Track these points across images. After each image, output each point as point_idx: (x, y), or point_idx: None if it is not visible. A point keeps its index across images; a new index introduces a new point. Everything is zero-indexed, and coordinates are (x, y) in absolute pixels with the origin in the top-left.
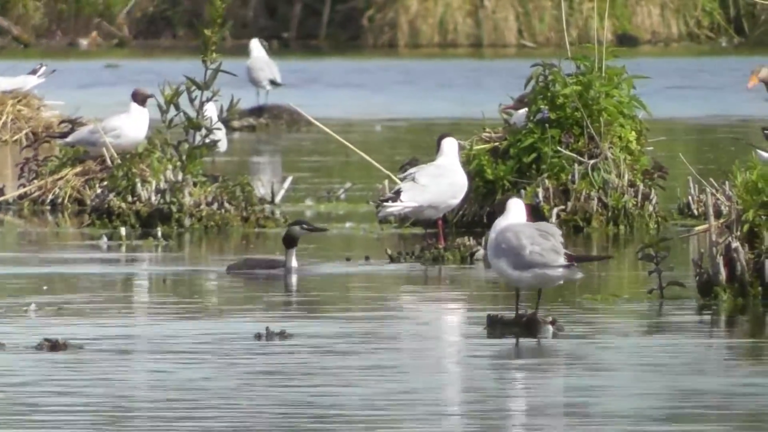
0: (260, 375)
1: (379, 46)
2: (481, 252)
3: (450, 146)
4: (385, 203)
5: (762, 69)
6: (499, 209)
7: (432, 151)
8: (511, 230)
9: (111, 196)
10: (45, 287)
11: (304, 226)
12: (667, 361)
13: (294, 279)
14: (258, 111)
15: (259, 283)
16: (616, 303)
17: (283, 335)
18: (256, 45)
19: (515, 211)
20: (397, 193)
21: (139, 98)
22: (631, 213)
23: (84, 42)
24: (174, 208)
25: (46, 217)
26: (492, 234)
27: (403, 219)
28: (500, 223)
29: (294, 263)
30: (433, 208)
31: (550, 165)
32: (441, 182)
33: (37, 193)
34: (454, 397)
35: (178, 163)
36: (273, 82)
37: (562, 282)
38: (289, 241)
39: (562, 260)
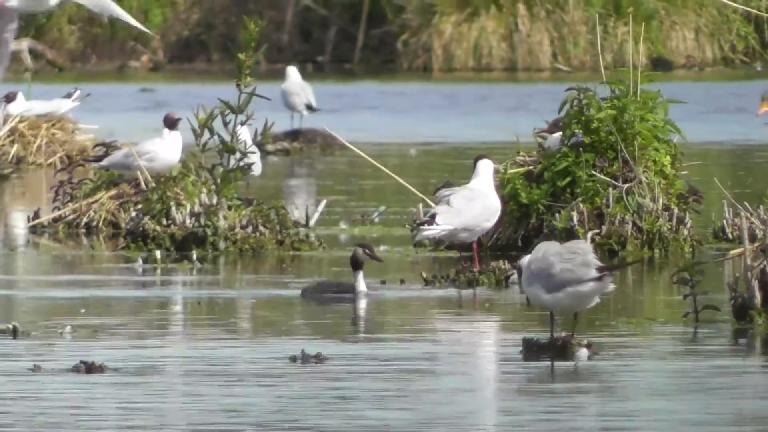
0: (296, 398)
1: (413, 70)
2: (515, 276)
3: (485, 168)
4: (420, 227)
5: None
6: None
7: (466, 175)
8: (540, 251)
9: (146, 219)
10: (83, 310)
11: (367, 251)
12: (703, 385)
13: (363, 302)
14: (292, 135)
15: (295, 305)
16: (652, 327)
17: (318, 358)
18: (293, 71)
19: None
20: (432, 216)
21: (170, 123)
22: (665, 237)
23: (136, 64)
24: (209, 232)
25: (81, 240)
26: (520, 264)
27: (437, 242)
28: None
29: (362, 286)
30: (467, 231)
31: (584, 189)
32: (475, 205)
33: (71, 216)
34: (489, 421)
35: (213, 187)
36: (309, 107)
37: (597, 299)
38: (355, 264)
39: (593, 273)
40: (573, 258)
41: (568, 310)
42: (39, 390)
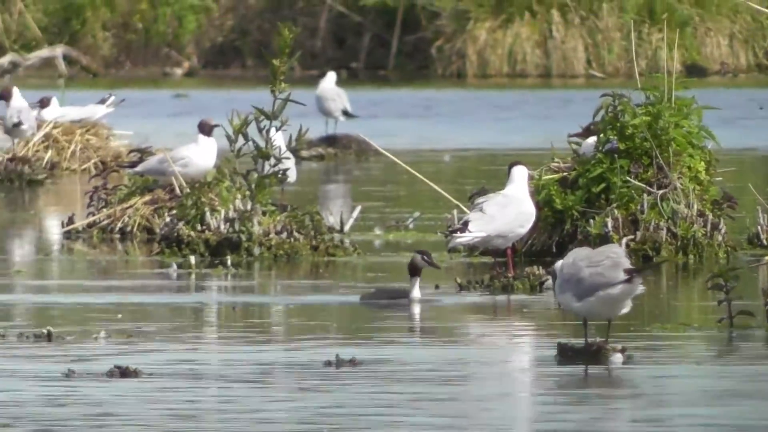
0: (331, 402)
1: (447, 77)
2: (550, 282)
3: (520, 174)
4: (453, 234)
5: None
6: (553, 276)
7: (501, 181)
8: (570, 257)
9: (180, 224)
10: (119, 315)
11: (425, 257)
12: (737, 391)
13: (417, 308)
14: (327, 140)
15: (329, 310)
16: (686, 332)
17: (353, 362)
18: (331, 76)
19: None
20: (466, 223)
21: (205, 129)
22: (700, 243)
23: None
24: (243, 237)
25: (115, 245)
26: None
27: (472, 248)
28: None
29: (418, 293)
30: (501, 238)
31: (619, 195)
32: (508, 212)
33: (106, 222)
34: (523, 426)
35: (248, 192)
36: (345, 113)
37: (629, 303)
38: (413, 270)
39: (621, 275)
40: (602, 261)
41: (601, 316)
42: (73, 394)
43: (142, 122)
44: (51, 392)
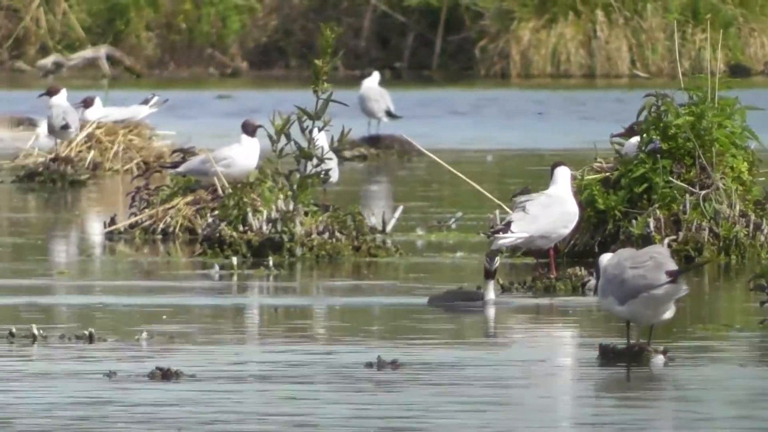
0: (371, 404)
1: (491, 77)
2: (592, 282)
3: (563, 175)
4: (496, 234)
5: None
6: (597, 272)
7: (543, 181)
8: (613, 259)
9: (222, 225)
10: (164, 317)
11: (488, 260)
12: None
13: (491, 311)
14: (370, 141)
15: (373, 312)
16: (728, 333)
17: (395, 364)
18: (375, 75)
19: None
20: (508, 224)
21: (249, 129)
22: (742, 243)
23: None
24: (285, 238)
25: (157, 246)
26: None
27: (514, 249)
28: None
29: (492, 295)
30: (544, 238)
31: (661, 195)
32: (552, 212)
33: (148, 222)
34: (566, 428)
35: (290, 193)
36: (389, 114)
37: (672, 307)
38: (488, 273)
39: (664, 277)
40: (645, 263)
41: (644, 319)
42: (114, 396)
43: (185, 123)
44: (92, 394)
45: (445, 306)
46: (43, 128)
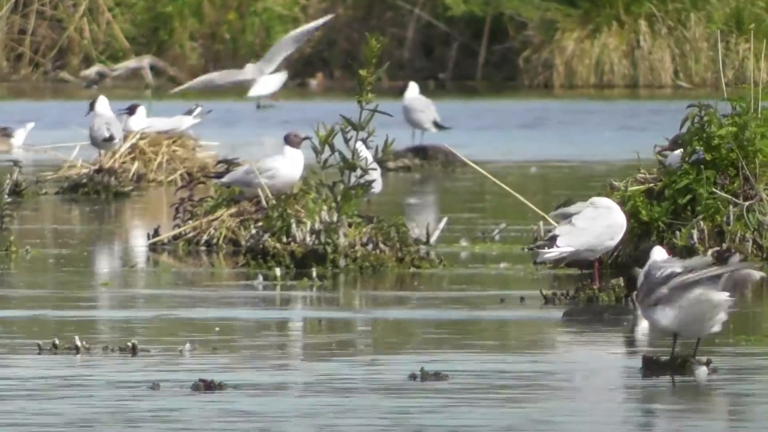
0: (414, 415)
1: (534, 87)
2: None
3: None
4: (540, 249)
5: None
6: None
7: (587, 193)
8: (655, 267)
9: (266, 236)
10: (217, 329)
11: (637, 269)
12: None
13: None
14: (414, 151)
15: (417, 324)
16: None
17: (438, 376)
18: (413, 88)
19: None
20: (553, 238)
21: (293, 141)
22: None
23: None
24: (329, 249)
25: (201, 257)
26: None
27: (558, 260)
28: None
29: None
30: (590, 251)
31: (705, 206)
32: (598, 224)
33: (192, 234)
34: None
35: (333, 204)
36: (436, 124)
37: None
38: (629, 285)
39: (714, 291)
40: (691, 276)
41: (691, 333)
42: (158, 407)
43: (229, 133)
44: (136, 406)
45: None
46: (18, 139)
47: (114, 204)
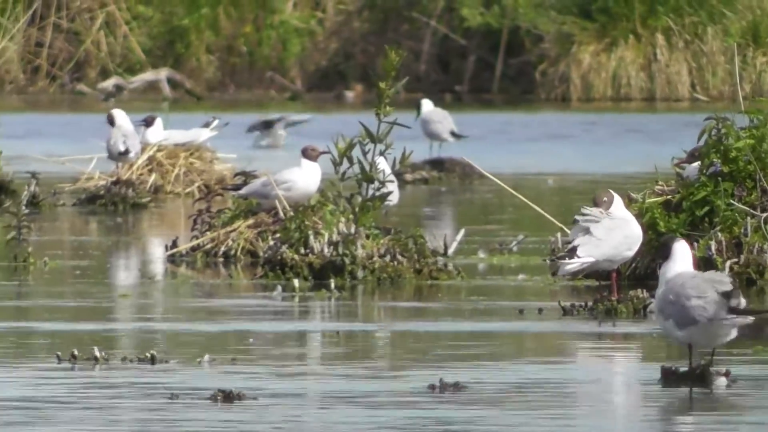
0: (432, 426)
1: (551, 100)
2: (653, 305)
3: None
4: (560, 260)
5: None
6: (664, 254)
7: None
8: (676, 282)
9: (284, 248)
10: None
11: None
12: None
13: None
14: (431, 164)
15: (433, 334)
16: None
17: (457, 386)
18: (427, 103)
19: (681, 255)
20: (573, 249)
21: (310, 155)
22: None
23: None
24: (347, 260)
25: (219, 269)
26: (658, 290)
27: (577, 272)
28: (666, 274)
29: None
30: (608, 262)
31: (722, 218)
32: (616, 235)
33: (209, 245)
34: None
35: (351, 216)
36: (453, 134)
37: (734, 333)
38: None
39: (724, 312)
40: (706, 293)
41: (703, 346)
42: (177, 418)
43: (247, 146)
44: (155, 416)
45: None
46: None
47: (131, 216)
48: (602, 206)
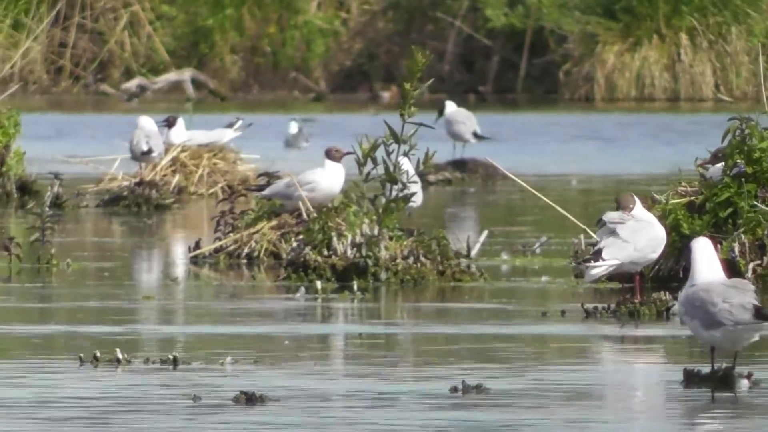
0: (454, 428)
1: (575, 100)
2: (677, 307)
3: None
4: (587, 263)
5: None
6: (687, 254)
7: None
8: (703, 288)
9: (307, 249)
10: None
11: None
12: None
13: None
14: (454, 165)
15: (456, 336)
16: None
17: (479, 389)
18: (450, 106)
19: (704, 251)
20: (598, 252)
21: (334, 156)
22: None
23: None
24: (370, 262)
25: (242, 270)
26: (685, 291)
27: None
28: (693, 275)
29: None
30: (633, 264)
31: (746, 219)
32: (641, 237)
33: (233, 247)
34: None
35: (374, 217)
36: (476, 135)
37: (756, 337)
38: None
39: (748, 317)
40: (732, 298)
41: (726, 349)
42: (199, 420)
43: (270, 146)
44: (177, 418)
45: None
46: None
47: (155, 216)
48: (626, 209)
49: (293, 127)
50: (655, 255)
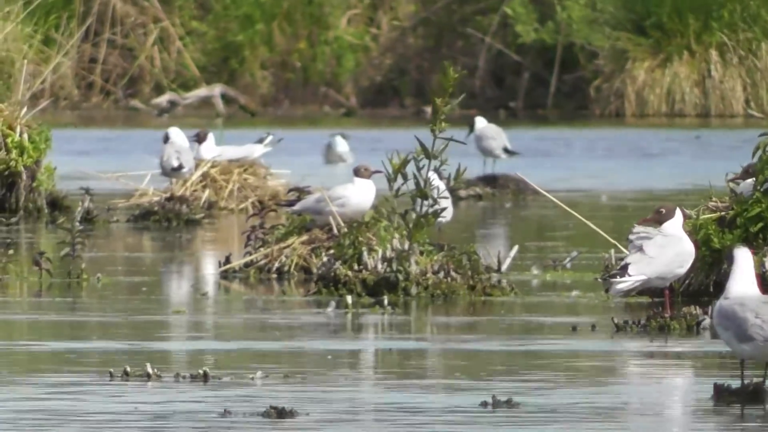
0: None
1: (606, 116)
2: (707, 321)
3: (678, 215)
4: (613, 279)
5: None
6: (728, 261)
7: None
8: (737, 301)
9: (337, 264)
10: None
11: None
12: None
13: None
14: (485, 180)
15: (486, 351)
16: None
17: (510, 403)
18: (481, 121)
19: (743, 262)
20: (625, 267)
21: (362, 174)
22: None
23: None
24: (400, 277)
25: (272, 285)
26: (720, 303)
27: (629, 290)
28: (729, 286)
29: None
30: (661, 279)
31: None
32: (668, 252)
33: (263, 261)
34: None
35: (405, 232)
36: (506, 150)
37: None
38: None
39: None
40: (765, 314)
41: (758, 361)
42: None
43: (300, 161)
44: None
45: None
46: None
47: (185, 231)
48: (656, 217)
49: (341, 144)
50: (683, 270)
